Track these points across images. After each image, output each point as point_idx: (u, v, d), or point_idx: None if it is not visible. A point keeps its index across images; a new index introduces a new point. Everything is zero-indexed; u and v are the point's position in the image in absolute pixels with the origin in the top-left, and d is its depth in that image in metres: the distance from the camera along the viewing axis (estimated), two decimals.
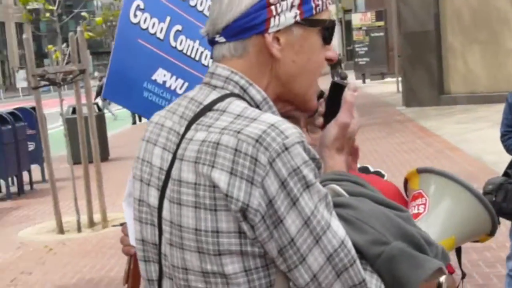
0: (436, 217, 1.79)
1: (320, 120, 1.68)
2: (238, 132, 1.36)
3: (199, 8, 5.05)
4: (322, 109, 1.68)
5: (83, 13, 10.78)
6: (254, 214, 1.34)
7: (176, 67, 4.96)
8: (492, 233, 1.86)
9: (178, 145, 1.45)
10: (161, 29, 4.73)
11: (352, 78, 35.79)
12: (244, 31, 1.49)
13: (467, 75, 19.00)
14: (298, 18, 1.50)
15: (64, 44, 9.73)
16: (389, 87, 27.30)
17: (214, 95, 1.48)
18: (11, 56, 75.65)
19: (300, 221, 1.35)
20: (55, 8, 10.01)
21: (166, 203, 1.45)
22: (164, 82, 4.79)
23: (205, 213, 1.37)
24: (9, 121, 12.12)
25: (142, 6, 4.57)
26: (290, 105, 1.59)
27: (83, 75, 9.05)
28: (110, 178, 11.33)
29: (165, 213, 1.46)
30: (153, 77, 4.72)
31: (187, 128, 1.45)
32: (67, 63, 9.35)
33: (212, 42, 1.54)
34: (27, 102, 18.60)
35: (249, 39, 1.49)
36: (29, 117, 12.91)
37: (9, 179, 12.24)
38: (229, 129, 1.38)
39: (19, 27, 73.94)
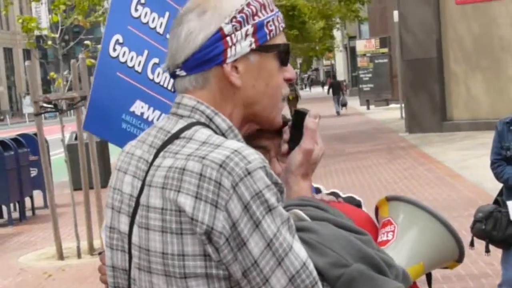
0: (404, 244, 1.82)
1: (285, 147, 1.73)
2: (203, 158, 1.41)
3: None
4: (286, 136, 1.73)
5: (86, 42, 10.87)
6: (219, 237, 1.37)
7: (153, 99, 5.10)
8: (460, 259, 1.90)
9: (147, 172, 1.50)
10: (139, 62, 4.87)
11: (356, 104, 35.92)
12: (203, 63, 1.53)
13: (469, 102, 19.04)
14: (253, 45, 1.54)
15: (67, 71, 9.82)
16: (393, 113, 27.38)
17: (181, 124, 1.52)
18: (18, 82, 76.08)
19: (263, 243, 1.38)
20: (57, 35, 10.11)
21: (135, 229, 1.50)
22: (142, 113, 4.92)
23: (171, 237, 1.41)
24: (12, 147, 12.19)
25: (121, 40, 4.71)
26: (257, 125, 1.64)
27: (84, 101, 9.12)
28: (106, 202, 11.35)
29: (134, 238, 1.50)
30: (131, 109, 4.85)
31: (155, 156, 1.50)
32: (69, 89, 9.43)
33: (173, 76, 1.59)
34: (33, 128, 18.71)
35: (209, 71, 1.54)
36: (32, 143, 12.96)
37: (11, 204, 12.28)
38: (194, 155, 1.42)
39: (27, 53, 74.39)
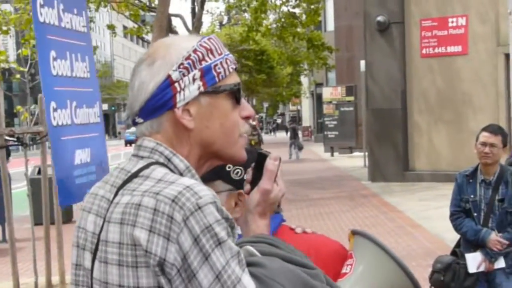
0: (359, 279, 1.90)
1: (247, 187, 1.82)
2: (157, 194, 1.49)
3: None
4: (249, 177, 1.82)
5: None
6: (171, 268, 1.44)
7: (82, 141, 5.34)
8: None
9: (107, 210, 1.57)
10: (69, 114, 5.10)
11: (321, 151, 36.14)
12: (156, 109, 1.62)
13: (431, 153, 19.34)
14: (201, 89, 1.63)
15: (34, 106, 9.81)
16: (356, 161, 27.61)
17: (141, 164, 1.61)
18: None
19: (211, 275, 1.45)
20: (26, 69, 10.12)
21: (96, 264, 1.57)
22: (81, 160, 5.14)
23: (127, 270, 1.49)
24: None
25: (55, 106, 4.95)
26: (219, 161, 1.71)
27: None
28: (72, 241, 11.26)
29: (96, 273, 1.57)
30: (75, 163, 5.06)
31: (116, 194, 1.58)
32: (35, 123, 9.41)
33: (134, 123, 1.68)
34: None
35: (162, 116, 1.63)
36: None
37: None
38: (149, 192, 1.51)
39: None
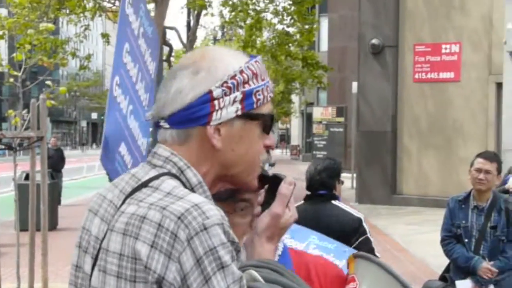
0: None
1: (258, 209, 1.76)
2: (164, 208, 1.44)
3: (140, 93, 5.53)
4: (261, 199, 1.76)
5: (47, 82, 10.82)
6: (169, 287, 1.40)
7: (129, 146, 5.24)
8: None
9: (113, 217, 1.53)
10: (126, 107, 5.04)
11: None
12: (187, 121, 1.57)
13: (419, 178, 19.36)
14: (239, 112, 1.58)
15: (25, 110, 9.74)
16: (344, 183, 27.56)
17: (153, 173, 1.57)
18: None
19: None
20: (19, 74, 10.06)
21: (95, 271, 1.53)
22: (123, 156, 5.07)
23: (125, 283, 1.45)
24: None
25: (118, 82, 4.89)
26: (231, 185, 1.67)
27: (40, 142, 9.04)
28: (56, 248, 11.18)
29: (93, 281, 1.53)
30: (119, 149, 4.99)
31: (123, 201, 1.54)
32: (26, 128, 9.34)
33: (156, 125, 1.63)
34: None
35: (192, 129, 1.58)
36: None
37: None
38: (156, 205, 1.46)
39: None
